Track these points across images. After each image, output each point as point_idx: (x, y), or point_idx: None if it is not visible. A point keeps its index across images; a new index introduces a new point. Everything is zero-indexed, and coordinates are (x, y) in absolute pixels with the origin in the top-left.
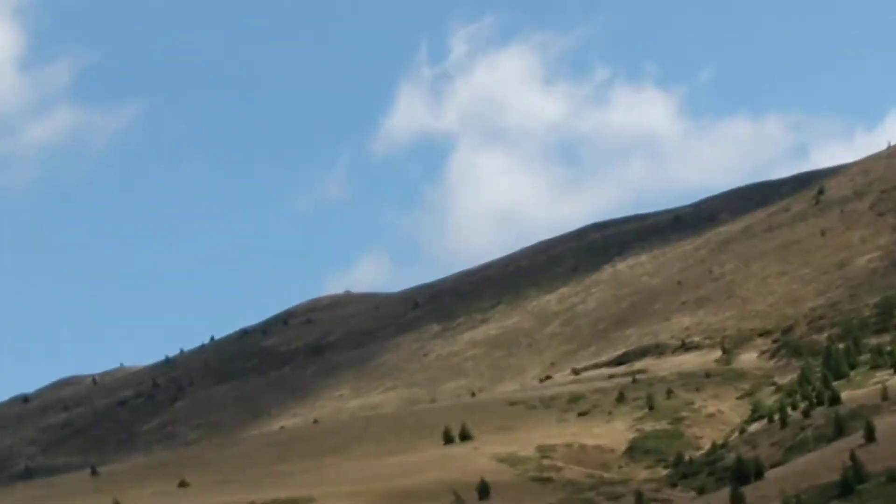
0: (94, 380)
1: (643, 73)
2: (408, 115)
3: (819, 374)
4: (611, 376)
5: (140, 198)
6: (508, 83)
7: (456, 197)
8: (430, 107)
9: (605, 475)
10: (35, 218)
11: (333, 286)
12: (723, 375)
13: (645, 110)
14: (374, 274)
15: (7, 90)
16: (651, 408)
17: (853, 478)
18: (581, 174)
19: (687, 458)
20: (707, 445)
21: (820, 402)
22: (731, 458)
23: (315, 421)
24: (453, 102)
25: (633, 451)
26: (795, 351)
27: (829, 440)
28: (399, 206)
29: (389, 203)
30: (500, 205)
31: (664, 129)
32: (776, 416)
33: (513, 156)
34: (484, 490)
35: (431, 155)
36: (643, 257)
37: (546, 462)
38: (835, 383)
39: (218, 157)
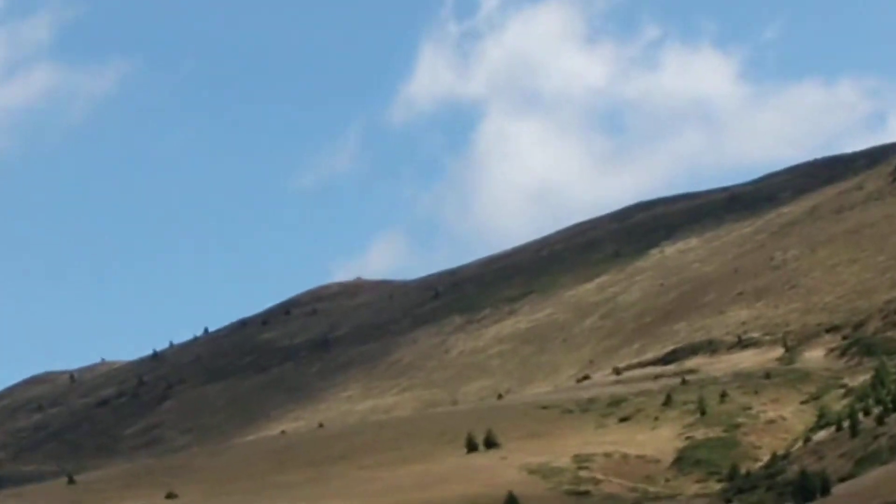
0: (71, 376)
1: (699, 31)
2: (430, 78)
3: (895, 376)
4: (657, 377)
5: (124, 170)
6: (545, 42)
7: (483, 172)
8: (456, 69)
9: (650, 489)
10: (5, 191)
11: (342, 273)
12: (785, 376)
13: (700, 74)
14: (388, 259)
15: None
16: (702, 413)
17: None
18: (626, 146)
19: (743, 470)
20: (766, 456)
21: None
22: (793, 470)
23: (320, 425)
24: (482, 64)
25: (682, 462)
26: (868, 349)
27: None
28: (418, 183)
29: (407, 179)
30: (533, 181)
31: (722, 95)
32: (845, 424)
33: (549, 125)
34: None
35: (456, 124)
36: (694, 241)
37: (583, 474)
38: None
39: (212, 124)
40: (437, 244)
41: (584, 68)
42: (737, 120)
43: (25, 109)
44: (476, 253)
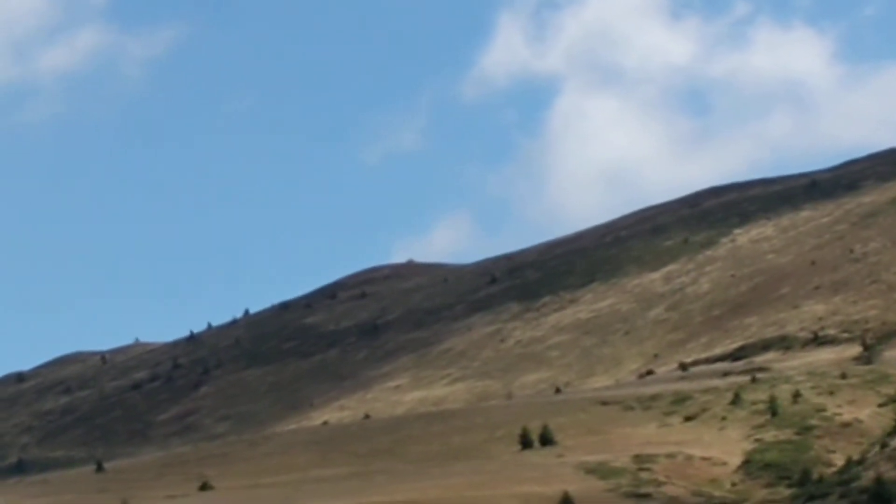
0: (102, 357)
1: (792, 7)
2: (506, 51)
3: None
4: (725, 374)
5: (175, 140)
6: (627, 16)
7: (556, 152)
8: (532, 42)
9: (715, 493)
10: (52, 159)
11: (402, 254)
12: (862, 377)
13: (792, 53)
14: (452, 241)
15: (24, 7)
16: (773, 413)
17: None
18: (710, 128)
19: (815, 476)
20: (840, 461)
21: None
22: (868, 477)
23: (366, 416)
24: (560, 37)
25: (750, 465)
26: None
27: None
28: (488, 162)
29: (476, 157)
30: (609, 162)
31: (815, 76)
32: None
33: (628, 103)
34: None
35: (530, 100)
36: (769, 230)
37: (644, 475)
38: None
39: (270, 93)
40: (504, 227)
41: (667, 45)
42: (829, 102)
43: (73, 73)
44: (546, 238)
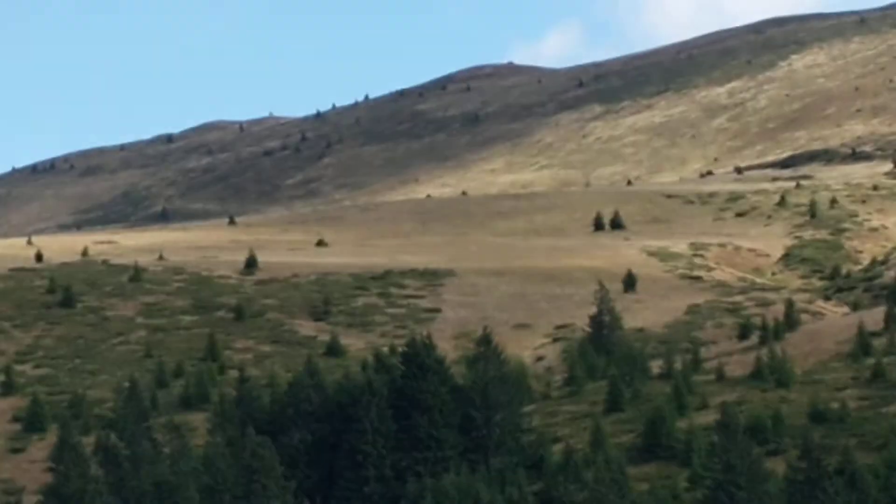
0: (241, 126)
1: None
2: None
3: None
4: (774, 179)
5: None
6: None
7: None
8: None
9: (757, 280)
10: None
11: (515, 55)
12: (891, 189)
13: None
14: (559, 49)
15: None
16: (813, 215)
17: None
18: None
19: (844, 271)
20: (866, 260)
21: None
22: (889, 276)
23: (463, 193)
24: None
25: (789, 258)
26: None
27: None
28: None
29: None
30: None
31: None
32: None
33: None
34: (630, 282)
35: None
36: (821, 58)
37: (697, 260)
38: None
39: None
40: (611, 38)
41: None
42: None
43: None
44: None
